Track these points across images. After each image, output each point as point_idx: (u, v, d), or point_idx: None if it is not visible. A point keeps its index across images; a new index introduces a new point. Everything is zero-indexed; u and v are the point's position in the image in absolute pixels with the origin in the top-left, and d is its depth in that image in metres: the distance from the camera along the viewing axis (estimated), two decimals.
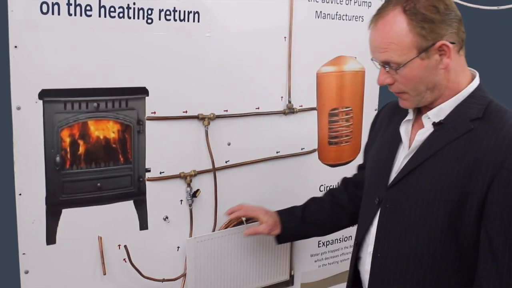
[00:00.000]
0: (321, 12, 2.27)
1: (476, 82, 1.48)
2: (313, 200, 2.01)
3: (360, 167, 1.96)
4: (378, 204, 1.56)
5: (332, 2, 2.29)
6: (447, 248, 1.42)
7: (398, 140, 1.57)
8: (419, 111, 1.56)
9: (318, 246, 2.48)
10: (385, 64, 1.44)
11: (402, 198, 1.49)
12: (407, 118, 1.57)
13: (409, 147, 1.52)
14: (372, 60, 1.49)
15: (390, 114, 1.70)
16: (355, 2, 2.36)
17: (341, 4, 2.32)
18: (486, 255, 1.36)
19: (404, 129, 1.56)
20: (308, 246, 2.42)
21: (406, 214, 1.48)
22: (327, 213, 1.95)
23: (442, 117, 1.46)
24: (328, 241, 2.50)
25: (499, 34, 2.77)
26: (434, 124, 1.47)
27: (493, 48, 2.75)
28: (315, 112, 2.35)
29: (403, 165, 1.51)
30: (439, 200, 1.41)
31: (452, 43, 1.39)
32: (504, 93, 2.44)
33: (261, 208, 1.99)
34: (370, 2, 2.39)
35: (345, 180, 2.03)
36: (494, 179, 1.34)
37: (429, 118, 1.48)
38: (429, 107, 1.50)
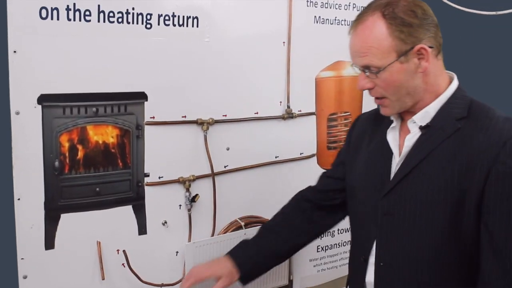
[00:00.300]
0: (320, 17, 2.27)
1: (455, 83, 1.50)
2: (265, 229, 1.88)
3: (327, 176, 1.88)
4: (375, 214, 1.54)
5: (331, 7, 2.30)
6: (451, 249, 1.43)
7: (387, 149, 1.56)
8: (402, 118, 1.57)
9: (317, 251, 2.48)
10: (365, 68, 1.46)
11: (399, 205, 1.49)
12: (392, 125, 1.57)
13: (400, 154, 1.52)
14: (352, 66, 1.51)
15: (372, 126, 1.68)
16: (353, 7, 2.37)
17: (340, 9, 2.33)
18: (488, 249, 1.37)
19: (392, 137, 1.56)
20: (307, 251, 2.41)
21: (405, 220, 1.47)
22: (283, 240, 1.83)
23: (428, 120, 1.47)
24: (327, 246, 2.50)
25: (497, 39, 2.78)
26: (421, 127, 1.48)
27: (491, 53, 2.75)
28: (314, 117, 2.36)
29: (395, 172, 1.51)
30: (437, 202, 1.41)
31: (430, 47, 1.42)
32: (503, 97, 2.44)
33: (210, 264, 1.86)
34: None
35: (299, 197, 1.90)
36: (489, 174, 1.36)
37: (415, 122, 1.49)
38: (411, 112, 1.51)
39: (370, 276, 1.57)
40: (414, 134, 1.49)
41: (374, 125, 1.67)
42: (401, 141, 1.54)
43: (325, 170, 1.94)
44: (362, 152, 1.67)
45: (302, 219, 1.84)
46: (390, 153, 1.55)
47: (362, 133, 1.72)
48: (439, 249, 1.44)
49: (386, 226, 1.51)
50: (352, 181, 1.69)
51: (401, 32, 1.39)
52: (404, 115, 1.55)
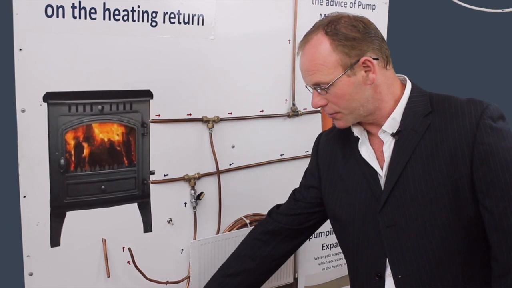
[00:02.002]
0: (325, 14, 2.25)
1: (409, 84, 1.54)
2: (226, 273, 1.78)
3: (297, 200, 1.81)
4: (376, 229, 1.53)
5: (336, 5, 2.29)
6: (460, 240, 1.44)
7: (366, 166, 1.56)
8: (368, 132, 1.58)
9: (322, 249, 2.48)
10: (315, 86, 1.49)
11: (398, 214, 1.49)
12: (360, 141, 1.57)
13: (381, 167, 1.53)
14: (306, 86, 1.55)
15: (339, 145, 1.67)
16: (359, 5, 2.36)
17: (345, 7, 2.32)
18: (491, 227, 1.41)
19: (366, 153, 1.56)
20: (312, 249, 2.42)
21: (408, 227, 1.48)
22: (257, 273, 1.80)
23: (397, 126, 1.49)
24: (332, 244, 2.50)
25: (503, 36, 2.77)
26: (393, 134, 1.49)
27: (496, 50, 2.75)
28: (319, 115, 2.35)
29: (384, 184, 1.51)
30: (434, 200, 1.43)
31: (375, 59, 1.45)
32: (507, 95, 2.44)
33: None
34: (374, 5, 2.38)
35: (265, 225, 1.83)
36: (473, 158, 1.39)
37: (385, 132, 1.51)
38: (374, 123, 1.53)
39: (391, 286, 1.55)
40: (389, 143, 1.51)
41: (341, 145, 1.67)
42: (377, 154, 1.55)
43: (294, 191, 1.87)
44: (340, 174, 1.65)
45: (274, 247, 1.79)
46: (371, 169, 1.54)
47: (330, 154, 1.71)
48: (449, 244, 1.44)
49: (392, 238, 1.51)
50: (338, 208, 1.65)
51: (344, 46, 1.43)
52: (368, 128, 1.56)
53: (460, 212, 1.42)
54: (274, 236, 1.79)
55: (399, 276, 1.51)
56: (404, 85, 1.54)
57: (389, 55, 1.51)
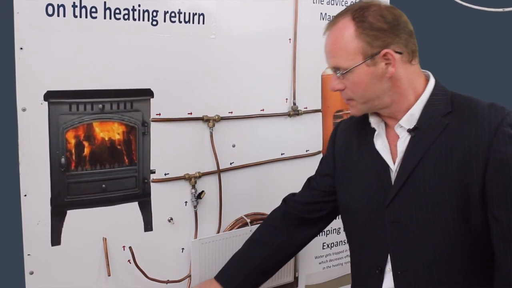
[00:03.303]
0: (326, 14, 2.27)
1: (432, 81, 1.52)
2: (249, 249, 1.86)
3: (312, 188, 1.84)
4: (382, 223, 1.53)
5: (337, 4, 2.29)
6: (465, 246, 1.44)
7: (380, 159, 1.55)
8: (386, 124, 1.57)
9: (323, 248, 2.47)
10: (335, 69, 1.49)
11: (404, 211, 1.48)
12: (376, 133, 1.57)
13: (394, 161, 1.52)
14: (327, 68, 1.53)
15: (356, 136, 1.67)
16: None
17: (346, 6, 2.32)
18: (498, 237, 1.40)
19: (381, 146, 1.56)
20: (312, 248, 2.42)
21: (413, 225, 1.47)
22: (270, 257, 1.83)
23: (414, 122, 1.48)
24: (333, 243, 2.50)
25: (503, 36, 2.77)
26: (409, 130, 1.48)
27: (497, 50, 2.75)
28: (320, 114, 2.35)
29: (394, 179, 1.51)
30: (442, 201, 1.42)
31: (399, 52, 1.43)
32: (507, 94, 2.43)
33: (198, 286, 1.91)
34: None
35: (285, 211, 1.87)
36: (487, 164, 1.37)
37: (401, 127, 1.50)
38: (392, 117, 1.52)
39: (387, 283, 1.56)
40: (404, 139, 1.50)
41: (357, 135, 1.66)
42: (391, 148, 1.54)
43: (309, 179, 1.89)
44: (354, 164, 1.66)
45: (288, 235, 1.83)
46: (384, 162, 1.54)
47: (346, 144, 1.71)
48: (452, 247, 1.44)
49: (396, 234, 1.51)
50: (347, 194, 1.67)
51: (368, 35, 1.42)
52: (387, 120, 1.56)
53: (467, 218, 1.41)
54: (289, 223, 1.82)
55: (399, 272, 1.52)
56: (427, 82, 1.52)
57: (416, 50, 1.49)
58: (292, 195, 1.90)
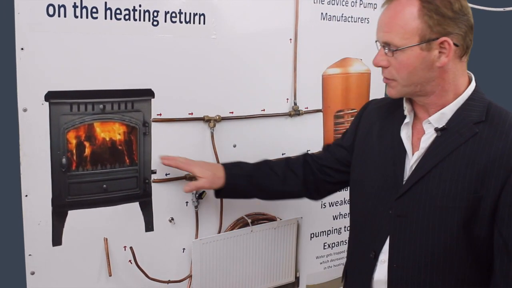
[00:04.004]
0: (326, 14, 2.27)
1: (473, 84, 1.48)
2: (266, 163, 1.92)
3: (327, 151, 1.89)
4: (387, 213, 1.53)
5: (337, 4, 2.29)
6: (463, 253, 1.43)
7: (400, 147, 1.54)
8: (415, 114, 1.55)
9: (324, 248, 2.48)
10: (385, 45, 1.43)
11: (412, 208, 1.47)
12: (406, 121, 1.54)
13: (412, 153, 1.51)
14: (376, 42, 1.48)
15: (382, 119, 1.65)
16: (360, 4, 2.36)
17: (347, 6, 2.32)
18: (502, 256, 1.38)
19: (405, 135, 1.53)
20: (313, 248, 2.42)
21: (418, 223, 1.46)
22: (278, 180, 1.87)
23: (444, 122, 1.45)
24: (334, 243, 2.50)
25: (504, 35, 2.77)
26: (437, 129, 1.46)
27: (498, 49, 2.75)
28: (320, 114, 2.35)
29: (410, 173, 1.49)
30: (452, 208, 1.41)
31: (455, 44, 1.39)
32: (508, 94, 2.43)
33: (197, 162, 1.90)
34: (376, 4, 2.39)
35: (305, 156, 1.94)
36: (507, 182, 1.34)
37: (430, 123, 1.47)
38: (425, 109, 1.50)
39: (380, 275, 1.56)
40: (429, 136, 1.47)
41: (384, 118, 1.64)
42: (414, 140, 1.52)
43: (325, 145, 1.94)
44: (372, 146, 1.64)
45: (303, 173, 1.86)
46: (403, 151, 1.52)
47: (370, 124, 1.69)
48: (451, 252, 1.44)
49: (399, 227, 1.50)
50: (361, 175, 1.67)
51: (430, 18, 1.36)
52: (418, 111, 1.53)
53: (471, 229, 1.40)
54: (307, 172, 1.86)
55: (394, 265, 1.51)
56: (469, 83, 1.48)
57: (470, 47, 1.45)
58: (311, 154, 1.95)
